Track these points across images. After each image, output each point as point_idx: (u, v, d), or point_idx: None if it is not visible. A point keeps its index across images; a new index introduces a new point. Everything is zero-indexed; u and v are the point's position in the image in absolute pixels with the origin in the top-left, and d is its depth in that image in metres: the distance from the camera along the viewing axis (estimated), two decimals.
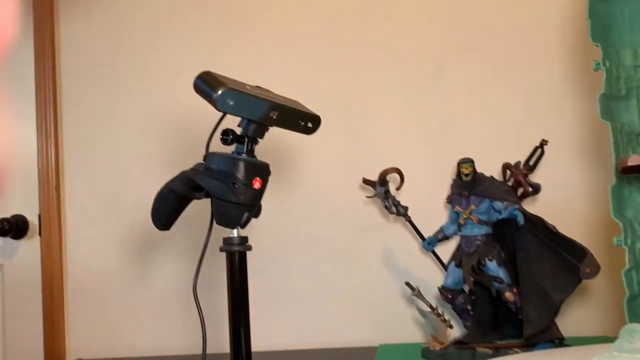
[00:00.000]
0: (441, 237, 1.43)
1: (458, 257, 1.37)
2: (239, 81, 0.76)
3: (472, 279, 1.30)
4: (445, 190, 1.45)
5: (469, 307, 1.37)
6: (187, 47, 1.64)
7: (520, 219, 1.23)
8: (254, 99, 0.74)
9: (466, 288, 1.37)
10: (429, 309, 1.32)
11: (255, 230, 1.56)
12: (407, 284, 1.35)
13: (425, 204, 1.48)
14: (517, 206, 1.25)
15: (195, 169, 0.81)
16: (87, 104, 1.71)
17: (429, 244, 1.44)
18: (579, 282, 1.19)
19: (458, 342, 1.29)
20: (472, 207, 1.34)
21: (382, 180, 1.41)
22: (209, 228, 0.81)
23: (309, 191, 1.56)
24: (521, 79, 1.52)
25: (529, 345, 1.21)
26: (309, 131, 0.84)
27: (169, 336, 1.60)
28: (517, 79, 1.52)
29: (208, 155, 0.79)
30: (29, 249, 1.73)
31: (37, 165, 1.72)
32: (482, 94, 1.53)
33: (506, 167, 1.38)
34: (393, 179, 1.43)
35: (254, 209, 0.80)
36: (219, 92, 0.70)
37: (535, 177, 1.36)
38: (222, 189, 0.77)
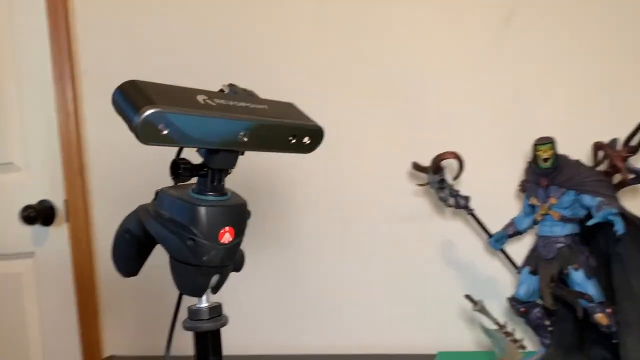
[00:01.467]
0: (512, 232, 1.15)
1: (533, 261, 1.09)
2: (187, 89, 0.52)
3: (551, 292, 1.03)
4: (516, 175, 1.16)
5: (547, 323, 1.10)
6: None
7: (620, 228, 0.92)
8: (204, 119, 0.49)
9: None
10: (495, 326, 1.07)
11: (294, 222, 1.39)
12: (468, 297, 1.09)
13: (491, 194, 1.20)
14: (614, 209, 0.95)
15: (144, 208, 0.59)
16: (107, 79, 1.53)
17: (497, 241, 1.16)
18: None
19: None
20: (552, 200, 1.05)
21: (436, 167, 1.14)
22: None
23: (350, 180, 1.32)
24: (619, 31, 1.16)
25: None
26: (306, 149, 0.59)
27: None
28: (614, 31, 1.16)
29: (157, 194, 0.57)
30: (58, 235, 1.62)
31: (59, 148, 1.58)
32: (565, 54, 1.18)
33: (599, 147, 1.06)
34: (450, 166, 1.16)
35: (228, 268, 0.58)
36: (142, 115, 0.46)
37: (637, 161, 1.04)
38: (176, 245, 0.54)
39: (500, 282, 1.21)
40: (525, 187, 1.11)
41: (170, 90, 0.50)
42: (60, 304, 1.61)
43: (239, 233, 0.56)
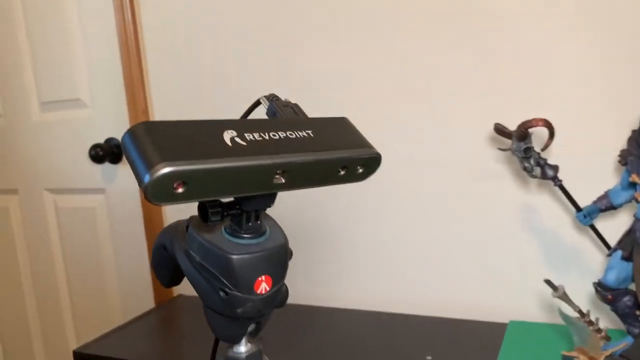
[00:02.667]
0: (605, 205, 1.01)
1: (628, 246, 0.96)
2: (214, 124, 0.42)
3: None
4: (616, 144, 1.00)
5: (639, 313, 0.98)
6: None
7: None
8: (230, 169, 0.40)
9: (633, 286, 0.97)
10: (576, 314, 0.97)
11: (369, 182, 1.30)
12: (548, 282, 0.99)
13: (583, 163, 1.05)
14: None
15: (177, 231, 0.52)
16: (167, 9, 1.44)
17: (586, 216, 1.03)
18: None
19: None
20: None
21: (523, 134, 0.99)
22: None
23: (427, 139, 1.19)
24: None
25: None
26: (357, 178, 0.49)
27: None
28: None
29: (188, 229, 0.49)
30: (127, 174, 1.62)
31: (124, 87, 1.54)
32: None
33: None
34: (538, 134, 1.01)
35: (267, 315, 0.51)
36: (154, 175, 0.37)
37: None
38: (208, 293, 0.47)
39: (585, 263, 1.09)
40: (627, 160, 0.96)
41: (191, 133, 0.41)
42: (132, 240, 1.64)
43: (278, 280, 0.48)
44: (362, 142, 0.48)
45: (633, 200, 0.96)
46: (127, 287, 1.68)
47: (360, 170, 0.48)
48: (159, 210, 1.58)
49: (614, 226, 1.04)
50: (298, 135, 0.46)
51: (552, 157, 1.04)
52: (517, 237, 1.15)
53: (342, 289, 1.34)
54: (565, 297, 0.98)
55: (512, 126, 1.01)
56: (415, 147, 1.20)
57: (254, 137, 0.43)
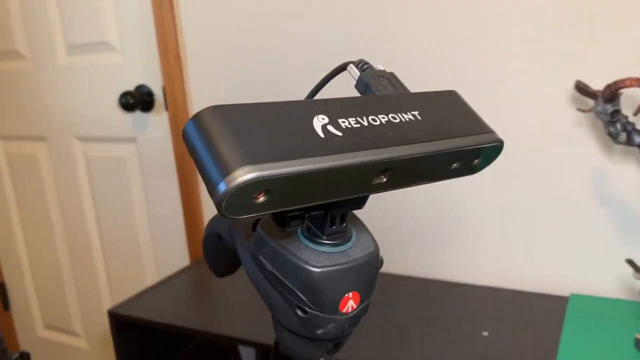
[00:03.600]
0: None
1: None
2: (300, 106, 0.32)
3: None
4: None
5: None
6: None
7: None
8: (325, 171, 0.30)
9: None
10: None
11: None
12: (630, 262, 0.89)
13: None
14: None
15: (241, 226, 0.43)
16: None
17: None
18: None
19: None
20: None
21: (612, 95, 0.87)
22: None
23: (497, 94, 1.07)
24: None
25: None
26: (470, 171, 0.39)
27: None
28: None
29: (256, 230, 0.40)
30: (159, 123, 1.53)
31: (155, 31, 1.43)
32: None
33: None
34: (630, 96, 0.89)
35: (347, 336, 0.42)
36: (233, 183, 0.28)
37: None
38: (281, 308, 0.39)
39: None
40: None
41: (273, 121, 0.31)
42: (165, 192, 1.57)
43: (366, 296, 0.39)
44: (480, 126, 0.38)
45: None
46: (161, 242, 1.63)
47: (476, 162, 0.38)
48: (192, 163, 1.50)
49: None
50: (403, 119, 0.35)
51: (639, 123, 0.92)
52: (592, 207, 1.04)
53: (398, 255, 1.26)
54: None
55: (594, 86, 0.89)
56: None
57: (350, 124, 0.33)
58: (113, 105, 1.54)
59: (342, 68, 0.41)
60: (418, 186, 0.37)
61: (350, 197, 0.34)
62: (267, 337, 0.97)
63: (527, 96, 1.04)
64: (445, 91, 0.40)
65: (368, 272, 0.39)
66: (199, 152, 0.30)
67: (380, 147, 0.33)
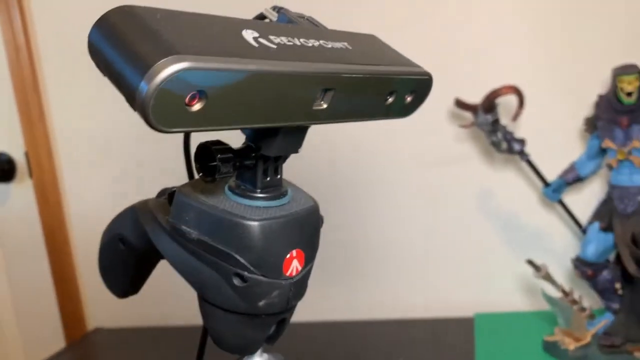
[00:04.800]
0: (572, 178, 0.97)
1: (606, 216, 0.91)
2: (220, 18, 0.28)
3: (632, 255, 0.85)
4: (579, 112, 0.96)
5: (618, 286, 0.93)
6: None
7: None
8: (266, 77, 0.26)
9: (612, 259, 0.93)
10: (560, 294, 0.91)
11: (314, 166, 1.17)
12: (530, 262, 0.91)
13: (545, 135, 0.99)
14: None
15: (148, 210, 0.37)
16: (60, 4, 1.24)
17: (555, 191, 0.98)
18: None
19: (604, 340, 0.88)
20: (636, 143, 0.85)
21: (490, 105, 0.92)
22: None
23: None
24: None
25: None
26: (403, 112, 0.37)
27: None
28: None
29: (175, 198, 0.34)
30: (22, 194, 1.37)
31: (13, 90, 1.31)
32: None
33: None
34: (505, 104, 0.95)
35: (292, 311, 0.37)
36: (159, 76, 0.22)
37: None
38: (213, 284, 0.33)
39: (556, 240, 1.03)
40: (596, 126, 0.91)
41: (196, 25, 0.27)
42: (33, 270, 1.39)
43: (310, 258, 0.35)
44: (407, 60, 0.36)
45: (606, 167, 0.92)
46: (30, 326, 1.43)
47: (409, 100, 0.36)
48: (64, 234, 1.36)
49: (577, 200, 0.99)
50: (334, 47, 0.33)
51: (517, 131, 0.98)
52: (480, 222, 1.07)
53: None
54: (549, 278, 0.91)
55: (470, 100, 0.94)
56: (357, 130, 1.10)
57: (282, 40, 0.30)
58: None
59: (261, 16, 0.37)
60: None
61: (289, 123, 0.30)
62: None
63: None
64: (366, 34, 0.38)
65: (310, 228, 0.35)
66: (109, 58, 0.25)
67: (320, 62, 0.29)
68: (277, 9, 0.37)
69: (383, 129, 1.06)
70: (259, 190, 0.33)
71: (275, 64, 0.27)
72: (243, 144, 0.33)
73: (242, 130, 0.32)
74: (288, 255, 0.33)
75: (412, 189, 1.08)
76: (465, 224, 1.08)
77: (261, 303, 0.33)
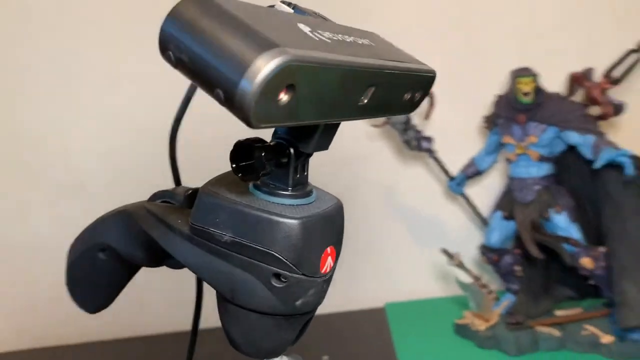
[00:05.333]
0: (472, 172, 1.05)
1: (507, 206, 1.00)
2: (273, 10, 0.28)
3: (533, 239, 0.94)
4: (476, 111, 1.04)
5: (518, 269, 1.03)
6: None
7: (630, 170, 0.85)
8: (338, 72, 0.25)
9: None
10: (470, 280, 0.98)
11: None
12: (445, 251, 0.97)
13: (448, 133, 1.07)
14: (626, 151, 0.86)
15: (150, 214, 0.34)
16: None
17: (458, 185, 1.05)
18: None
19: (509, 319, 0.96)
20: (532, 138, 0.95)
21: None
22: None
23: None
24: None
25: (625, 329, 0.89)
26: (408, 109, 0.38)
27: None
28: None
29: (198, 199, 0.32)
30: None
31: None
32: None
33: (576, 79, 0.97)
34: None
35: (314, 311, 0.36)
36: (263, 72, 0.21)
37: (618, 93, 0.97)
38: (249, 287, 0.31)
39: (459, 229, 1.11)
40: (496, 123, 1.00)
41: (261, 14, 0.25)
42: None
43: (339, 253, 0.35)
44: (414, 58, 0.37)
45: (506, 161, 1.01)
46: None
47: (418, 95, 0.37)
48: None
49: (480, 193, 1.08)
50: (364, 43, 0.33)
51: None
52: (388, 216, 1.12)
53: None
54: (462, 266, 0.98)
55: None
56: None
57: (329, 36, 0.29)
58: None
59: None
60: None
61: (341, 119, 0.30)
62: None
63: None
64: (369, 31, 0.39)
65: (340, 225, 0.35)
66: (194, 53, 0.23)
67: (368, 58, 0.29)
68: (291, 5, 0.36)
69: None
70: (290, 189, 0.32)
71: (352, 59, 0.26)
72: (271, 140, 0.32)
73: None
74: (324, 252, 0.32)
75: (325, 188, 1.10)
76: (376, 217, 1.12)
77: (298, 302, 0.32)
